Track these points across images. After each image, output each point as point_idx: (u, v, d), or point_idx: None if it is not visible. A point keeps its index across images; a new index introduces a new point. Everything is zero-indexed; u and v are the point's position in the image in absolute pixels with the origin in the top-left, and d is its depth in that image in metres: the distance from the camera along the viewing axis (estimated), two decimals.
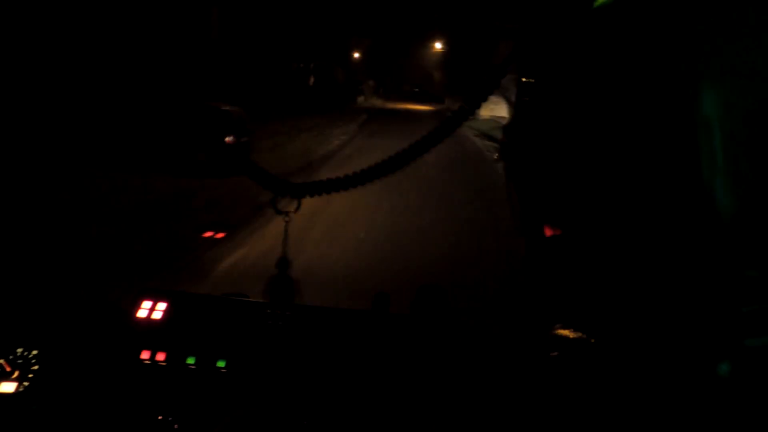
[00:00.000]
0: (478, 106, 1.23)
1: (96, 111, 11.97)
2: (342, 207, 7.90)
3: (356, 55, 50.20)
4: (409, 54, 56.70)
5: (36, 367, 1.17)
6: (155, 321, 1.24)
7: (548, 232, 0.59)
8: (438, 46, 51.63)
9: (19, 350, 1.19)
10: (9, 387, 1.14)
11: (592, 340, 0.60)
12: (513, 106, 0.80)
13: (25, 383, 1.15)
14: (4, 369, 1.16)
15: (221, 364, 1.16)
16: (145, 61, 14.54)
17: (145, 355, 1.18)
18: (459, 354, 1.20)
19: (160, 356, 1.18)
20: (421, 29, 48.91)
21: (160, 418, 1.09)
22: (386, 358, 1.17)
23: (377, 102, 46.83)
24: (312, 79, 35.24)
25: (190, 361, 1.17)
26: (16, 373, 1.16)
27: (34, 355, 1.19)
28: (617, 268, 0.50)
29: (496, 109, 31.96)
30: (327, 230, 7.16)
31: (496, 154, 12.95)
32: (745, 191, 0.44)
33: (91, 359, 1.20)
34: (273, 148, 13.96)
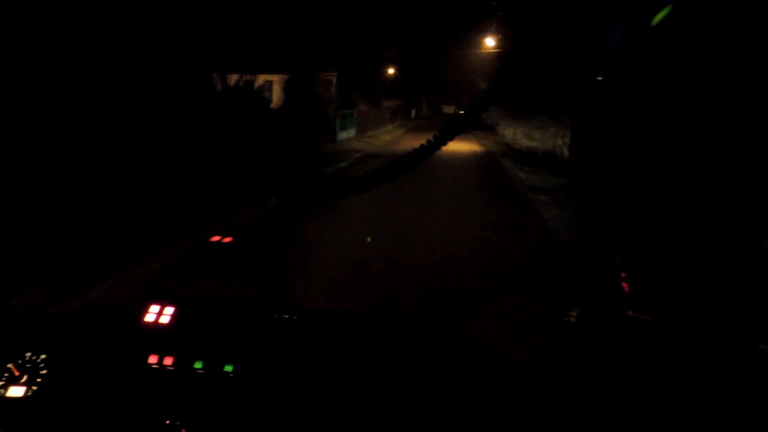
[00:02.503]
0: (485, 110, 1.20)
1: None
2: None
3: (390, 71, 38.50)
4: (448, 60, 40.86)
5: (44, 372, 1.18)
6: (163, 325, 1.24)
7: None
8: (490, 43, 31.17)
9: (28, 354, 1.20)
10: (18, 391, 1.15)
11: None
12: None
13: (34, 387, 1.15)
14: (12, 373, 1.17)
15: (229, 368, 1.16)
16: None
17: (152, 359, 1.18)
18: (464, 359, 1.17)
19: (168, 361, 1.18)
20: (464, 18, 32.17)
21: (167, 422, 1.08)
22: (393, 362, 1.16)
23: (385, 137, 29.46)
24: (281, 99, 24.38)
25: (198, 365, 1.17)
26: (24, 378, 1.17)
27: (43, 359, 1.20)
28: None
29: None
30: None
31: None
32: None
33: (98, 364, 1.20)
34: None
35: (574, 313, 0.63)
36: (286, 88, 24.71)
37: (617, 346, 0.52)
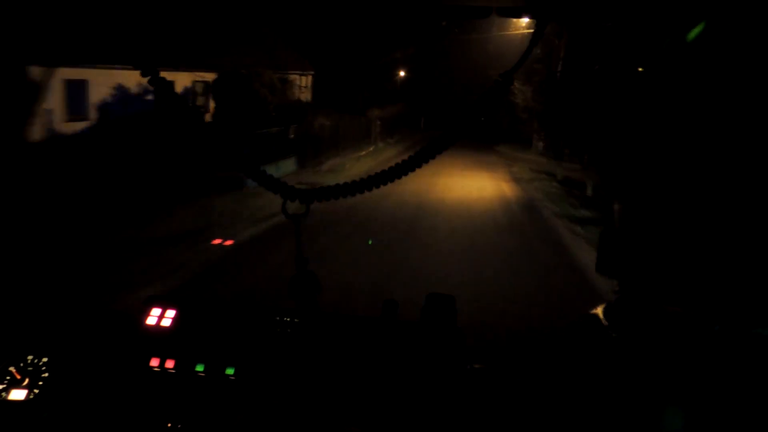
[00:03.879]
0: (492, 109, 1.19)
1: None
2: None
3: (402, 73, 31.45)
4: (466, 57, 29.64)
5: (46, 375, 1.18)
6: (164, 328, 1.24)
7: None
8: (525, 21, 20.00)
9: (30, 358, 1.20)
10: (19, 394, 1.14)
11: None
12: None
13: (36, 390, 1.15)
14: (14, 376, 1.17)
15: (230, 371, 1.16)
16: None
17: (154, 362, 1.18)
18: (465, 361, 1.17)
19: (170, 364, 1.18)
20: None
21: (169, 425, 1.08)
22: (395, 365, 1.16)
23: (361, 165, 18.08)
24: (210, 106, 16.67)
25: (199, 368, 1.17)
26: (26, 381, 1.16)
27: (44, 362, 1.19)
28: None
29: None
30: None
31: None
32: None
33: (100, 367, 1.20)
34: None
35: (599, 309, 0.63)
36: (213, 92, 16.01)
37: (648, 338, 0.54)
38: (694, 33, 0.52)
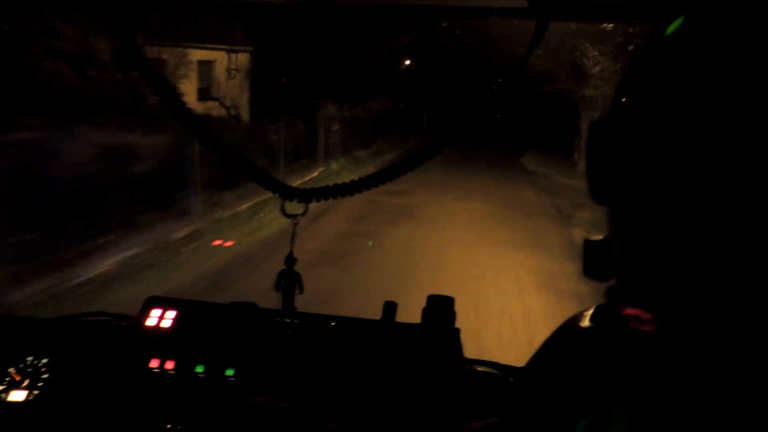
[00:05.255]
0: (487, 110, 1.20)
1: None
2: None
3: (407, 62, 25.01)
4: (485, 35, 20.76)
5: (46, 376, 1.18)
6: (164, 329, 1.24)
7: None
8: None
9: (29, 359, 1.20)
10: (19, 396, 1.14)
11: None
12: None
13: (35, 392, 1.15)
14: (13, 378, 1.17)
15: (230, 372, 1.16)
16: None
17: (154, 363, 1.18)
18: (465, 362, 1.18)
19: (169, 365, 1.17)
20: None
21: (168, 426, 1.08)
22: (395, 366, 1.16)
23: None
24: None
25: (199, 369, 1.17)
26: (26, 382, 1.16)
27: (44, 363, 1.19)
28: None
29: None
30: None
31: None
32: None
33: (100, 368, 1.19)
34: None
35: (579, 318, 0.63)
36: None
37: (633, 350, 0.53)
38: (672, 27, 0.51)
